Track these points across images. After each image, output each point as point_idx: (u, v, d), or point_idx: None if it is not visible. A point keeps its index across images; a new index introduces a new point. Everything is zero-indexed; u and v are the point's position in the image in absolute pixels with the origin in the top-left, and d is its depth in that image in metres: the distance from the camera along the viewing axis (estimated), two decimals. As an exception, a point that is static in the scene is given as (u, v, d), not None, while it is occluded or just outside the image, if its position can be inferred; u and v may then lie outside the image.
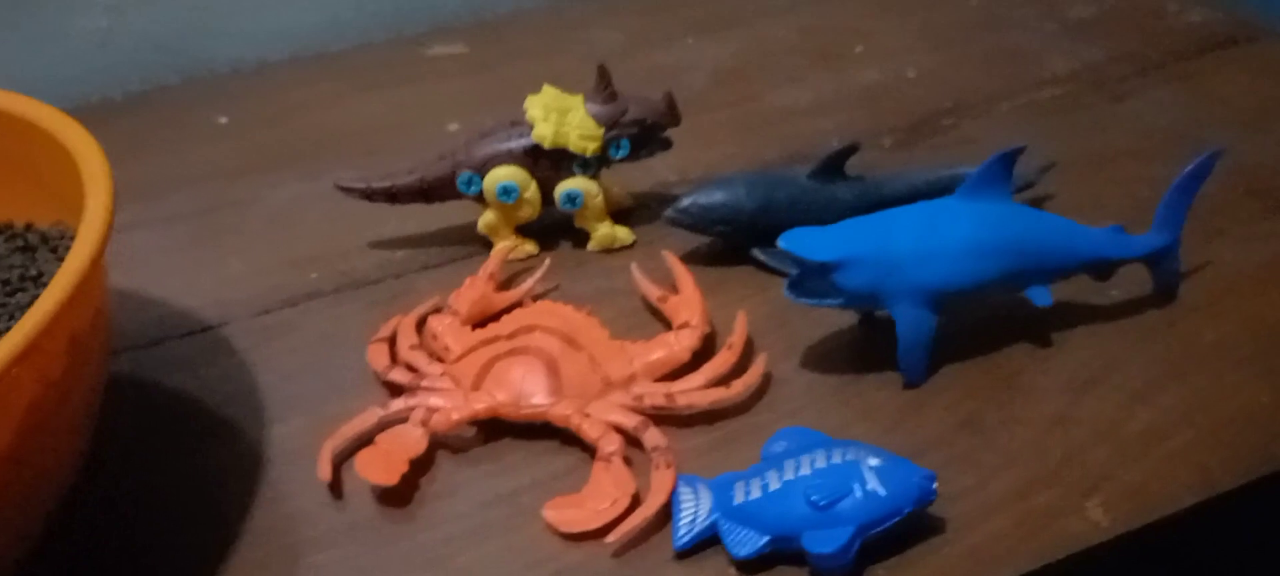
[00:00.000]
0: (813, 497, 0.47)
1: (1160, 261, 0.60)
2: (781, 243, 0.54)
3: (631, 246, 0.69)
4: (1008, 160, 0.56)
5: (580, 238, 0.70)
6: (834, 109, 0.84)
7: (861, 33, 0.94)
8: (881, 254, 0.54)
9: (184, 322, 0.65)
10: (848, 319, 0.62)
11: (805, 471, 0.49)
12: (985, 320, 0.61)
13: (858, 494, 0.47)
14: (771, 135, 0.81)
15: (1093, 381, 0.58)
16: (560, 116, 0.66)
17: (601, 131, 0.66)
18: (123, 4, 0.90)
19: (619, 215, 0.71)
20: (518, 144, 0.66)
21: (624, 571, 0.49)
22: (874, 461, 0.48)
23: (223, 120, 0.86)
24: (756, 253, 0.67)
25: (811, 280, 0.55)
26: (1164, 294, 0.62)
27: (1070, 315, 0.62)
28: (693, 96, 0.86)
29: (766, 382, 0.59)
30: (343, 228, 0.72)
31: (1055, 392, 0.57)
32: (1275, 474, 0.53)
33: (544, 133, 0.65)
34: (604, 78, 0.66)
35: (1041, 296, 0.57)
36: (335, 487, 0.54)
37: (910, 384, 0.58)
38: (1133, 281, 0.63)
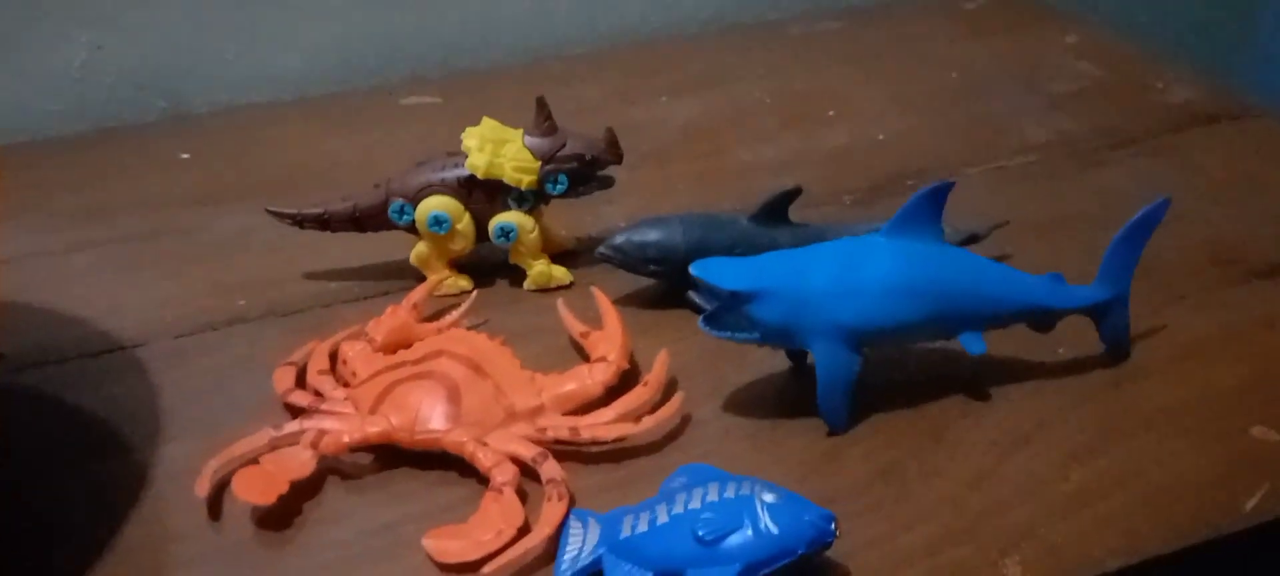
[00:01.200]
0: (699, 532, 0.44)
1: (1105, 315, 0.57)
2: (693, 270, 0.52)
3: (569, 287, 0.67)
4: (936, 196, 0.54)
5: (518, 276, 0.68)
6: (798, 167, 0.82)
7: (837, 98, 0.93)
8: (797, 288, 0.52)
9: (101, 342, 0.64)
10: (780, 364, 0.59)
11: (695, 504, 0.46)
12: (918, 369, 0.59)
13: (748, 530, 0.44)
14: (731, 189, 0.79)
15: (1025, 439, 0.55)
16: (496, 147, 0.64)
17: (537, 164, 0.64)
18: (105, 39, 0.90)
19: (561, 258, 0.69)
20: (452, 174, 0.65)
21: (496, 607, 0.46)
22: (769, 498, 0.45)
23: (185, 155, 0.85)
24: (692, 295, 0.64)
25: (726, 313, 0.53)
26: (1113, 353, 0.59)
27: (1010, 370, 0.59)
28: (659, 149, 0.85)
29: (684, 424, 0.56)
30: (281, 259, 0.71)
31: (983, 448, 0.54)
32: (1207, 542, 0.49)
33: (477, 162, 0.64)
34: (542, 110, 0.65)
35: (974, 343, 0.55)
36: (213, 507, 0.51)
37: (832, 430, 0.55)
38: (1082, 340, 0.60)
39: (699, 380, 0.59)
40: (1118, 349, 0.59)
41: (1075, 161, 0.83)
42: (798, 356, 0.59)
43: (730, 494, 0.46)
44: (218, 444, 0.53)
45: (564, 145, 0.65)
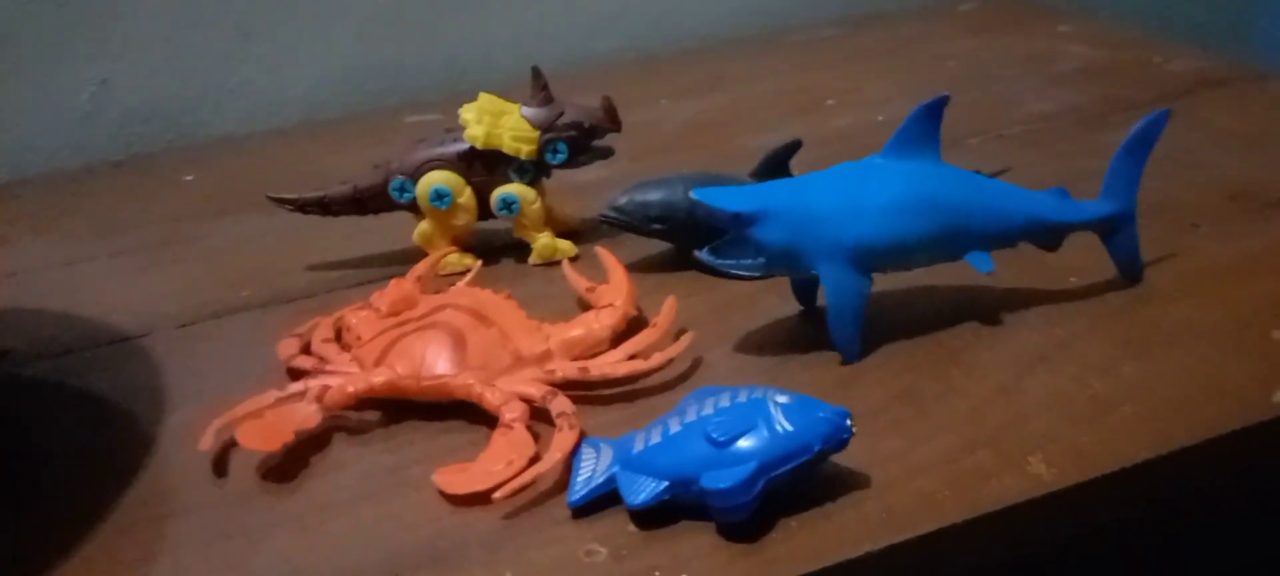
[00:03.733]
0: (712, 433, 0.43)
1: (1113, 232, 0.56)
2: (695, 193, 0.51)
3: (575, 260, 0.67)
4: (933, 111, 0.53)
5: (523, 253, 0.67)
6: (801, 148, 0.82)
7: (836, 90, 0.93)
8: (800, 209, 0.51)
9: (106, 334, 0.63)
10: (790, 309, 0.59)
11: (707, 412, 0.45)
12: (931, 303, 0.58)
13: (762, 430, 0.43)
14: (734, 170, 0.78)
15: (1043, 358, 0.53)
16: (494, 119, 0.64)
17: (536, 134, 0.64)
18: (111, 74, 0.91)
19: (565, 237, 0.68)
20: (451, 148, 0.65)
21: (508, 534, 0.45)
22: (782, 399, 0.44)
23: (188, 177, 0.86)
24: (700, 254, 0.63)
25: (730, 242, 0.52)
26: (1125, 274, 0.58)
27: (1024, 298, 0.58)
28: (662, 143, 0.85)
29: (694, 365, 0.55)
30: (284, 253, 0.71)
31: (1001, 367, 0.53)
32: (1236, 432, 0.47)
33: (476, 134, 0.63)
34: (539, 80, 0.65)
35: (982, 262, 0.53)
36: (218, 463, 0.50)
37: (846, 360, 0.53)
38: (1094, 268, 0.59)
39: (709, 329, 0.58)
40: (1130, 269, 0.58)
41: (1081, 126, 0.82)
42: (807, 299, 0.58)
43: (742, 399, 0.45)
44: (221, 410, 0.53)
45: (562, 114, 0.65)
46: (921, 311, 0.57)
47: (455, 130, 0.65)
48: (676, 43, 1.09)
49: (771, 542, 0.43)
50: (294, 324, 0.60)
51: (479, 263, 0.65)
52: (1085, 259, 0.59)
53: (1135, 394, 0.50)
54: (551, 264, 0.67)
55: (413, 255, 0.67)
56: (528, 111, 0.65)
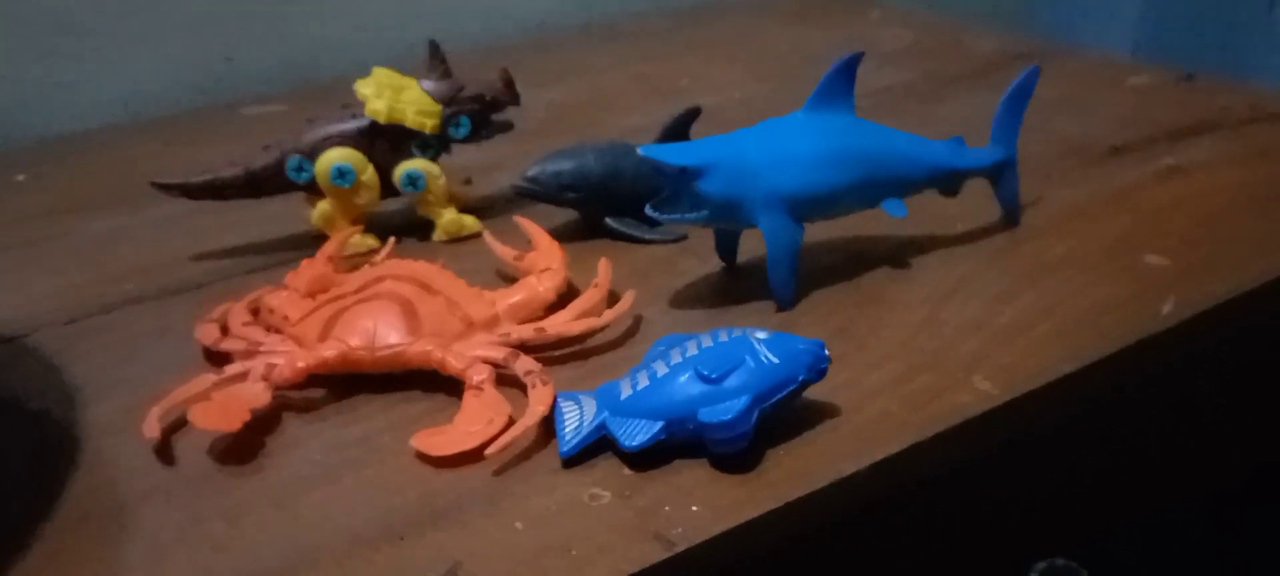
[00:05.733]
0: (704, 371, 0.45)
1: (1000, 176, 0.62)
2: (642, 150, 0.53)
3: (478, 236, 0.66)
4: (848, 68, 0.57)
5: (424, 230, 0.67)
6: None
7: (688, 73, 0.97)
8: (739, 161, 0.54)
9: (-16, 336, 0.58)
10: (712, 266, 0.61)
11: (693, 353, 0.46)
12: (845, 249, 0.61)
13: (750, 364, 0.45)
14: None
15: (952, 292, 0.58)
16: (394, 93, 0.63)
17: (439, 108, 0.64)
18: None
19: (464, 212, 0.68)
20: (351, 125, 0.63)
21: (505, 487, 0.45)
22: (762, 335, 0.46)
23: (20, 177, 0.79)
24: (610, 221, 0.65)
25: (674, 196, 0.53)
26: (1008, 217, 0.64)
27: (922, 244, 0.63)
28: (531, 128, 0.85)
29: (636, 323, 0.56)
30: (164, 247, 0.67)
31: (918, 303, 0.57)
32: (1140, 342, 0.53)
33: (378, 108, 0.62)
34: (437, 54, 0.65)
35: (896, 208, 0.58)
36: (163, 450, 0.47)
37: (781, 305, 0.56)
38: (977, 212, 0.64)
39: (640, 290, 0.59)
40: (1012, 213, 0.64)
41: (915, 99, 0.89)
42: (729, 255, 0.61)
43: (724, 338, 0.46)
44: (146, 402, 0.49)
45: (463, 88, 0.65)
46: (838, 259, 0.61)
47: (352, 106, 0.64)
48: (510, 35, 1.09)
49: (765, 470, 0.45)
50: (193, 313, 0.58)
51: (381, 246, 0.64)
52: (965, 208, 0.64)
53: (1042, 316, 0.55)
54: (457, 240, 0.66)
55: (299, 239, 0.65)
56: (428, 85, 0.64)
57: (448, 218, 0.66)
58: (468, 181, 0.71)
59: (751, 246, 0.61)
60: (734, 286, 0.59)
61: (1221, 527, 0.70)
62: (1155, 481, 0.63)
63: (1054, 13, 1.18)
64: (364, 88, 0.63)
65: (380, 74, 0.64)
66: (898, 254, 0.61)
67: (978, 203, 0.64)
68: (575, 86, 0.93)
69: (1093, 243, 0.63)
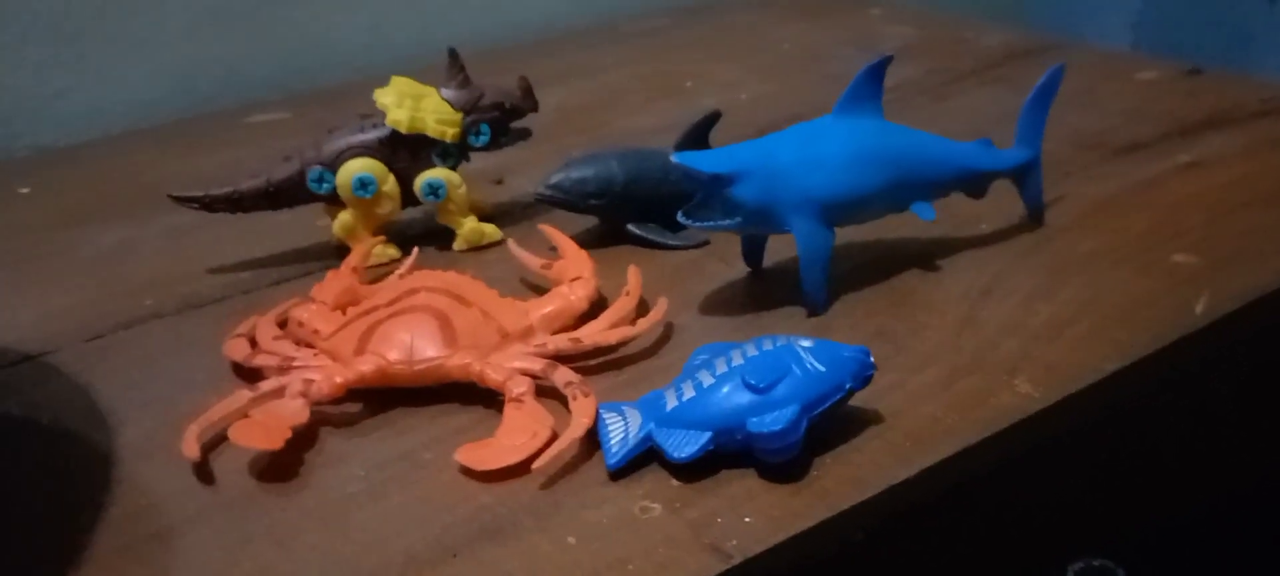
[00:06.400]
0: (751, 380, 0.44)
1: (1026, 177, 0.62)
2: (674, 158, 0.52)
3: (500, 243, 0.66)
4: (876, 72, 0.56)
5: (444, 239, 0.66)
6: (680, 128, 0.84)
7: (691, 74, 0.96)
8: (770, 166, 0.53)
9: (7, 354, 0.57)
10: (738, 272, 0.60)
11: (738, 362, 0.46)
12: (873, 252, 0.61)
13: (797, 373, 0.45)
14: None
15: (987, 291, 0.58)
16: (415, 102, 0.62)
17: (459, 116, 0.63)
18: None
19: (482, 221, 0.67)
20: (372, 134, 0.62)
21: (554, 501, 0.44)
22: (806, 343, 0.46)
23: (25, 189, 0.78)
24: (633, 227, 0.64)
25: (706, 202, 0.53)
26: (1032, 217, 0.64)
27: (950, 245, 0.62)
28: (543, 131, 0.84)
29: (669, 331, 0.56)
30: (177, 259, 0.66)
31: (954, 302, 0.57)
32: (1179, 340, 0.53)
33: (399, 118, 0.62)
34: (456, 61, 0.64)
35: (925, 211, 0.57)
36: (203, 469, 0.46)
37: (812, 311, 0.56)
38: (1001, 211, 0.64)
39: (668, 296, 0.58)
40: (1036, 213, 0.63)
41: (925, 96, 0.89)
42: (755, 260, 0.60)
43: (768, 347, 0.46)
44: (177, 420, 0.49)
45: (482, 96, 0.64)
46: (866, 262, 0.61)
47: (371, 116, 0.63)
48: (512, 36, 1.08)
49: (815, 478, 0.45)
50: (215, 328, 0.57)
51: (415, 252, 0.63)
52: (987, 206, 0.63)
53: (1079, 314, 0.55)
54: (477, 248, 0.65)
55: (315, 250, 0.65)
56: (447, 93, 0.64)
57: (468, 226, 0.65)
58: (499, 181, 0.71)
59: (777, 250, 0.60)
60: (763, 291, 0.59)
61: (1260, 524, 0.70)
62: (1189, 478, 0.63)
63: (1051, 7, 1.18)
64: (384, 97, 0.62)
65: (399, 83, 0.63)
66: (926, 255, 0.61)
67: (1000, 201, 0.64)
68: (579, 89, 0.93)
69: (1118, 239, 0.63)
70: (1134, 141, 0.76)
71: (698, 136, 0.66)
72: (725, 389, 0.45)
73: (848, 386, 0.45)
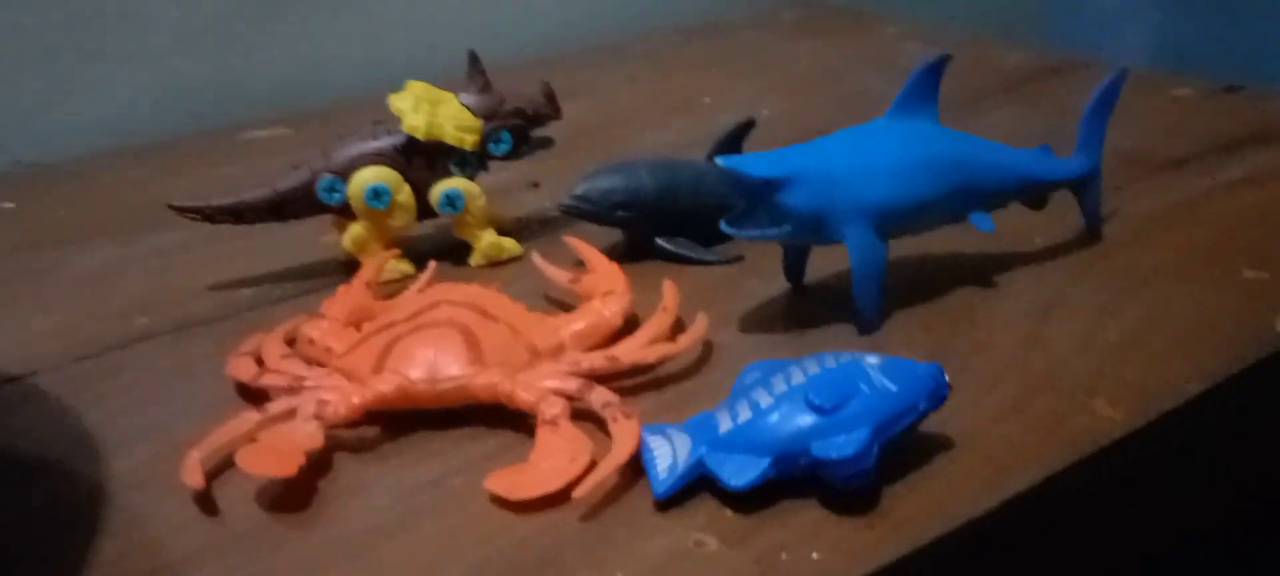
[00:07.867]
0: (816, 400, 0.40)
1: (1086, 187, 0.58)
2: (721, 162, 0.48)
3: (519, 259, 0.62)
4: (933, 72, 0.53)
5: (460, 255, 0.62)
6: (701, 143, 0.80)
7: (707, 90, 0.93)
8: (822, 172, 0.49)
9: (-16, 377, 0.52)
10: (779, 287, 0.56)
11: (799, 381, 0.41)
12: (922, 266, 0.57)
13: (865, 392, 0.40)
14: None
15: (1051, 307, 0.54)
16: (432, 108, 0.58)
17: (479, 123, 0.59)
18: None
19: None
20: (386, 142, 0.58)
21: (600, 533, 0.40)
22: (874, 360, 0.42)
23: (9, 205, 0.73)
24: (661, 242, 0.60)
25: (753, 210, 0.49)
26: (1091, 229, 0.60)
27: (1006, 261, 0.59)
28: (561, 146, 0.80)
29: (708, 349, 0.51)
30: (171, 277, 0.62)
31: (1018, 319, 0.53)
32: (1265, 358, 0.49)
33: (416, 124, 0.57)
34: (476, 65, 0.60)
35: (984, 222, 0.54)
36: (207, 498, 0.42)
37: (865, 326, 0.52)
38: (1054, 225, 0.60)
39: (706, 313, 0.54)
40: (1095, 223, 0.60)
41: (953, 112, 0.84)
42: (796, 276, 0.56)
43: (831, 364, 0.42)
44: (175, 449, 0.44)
45: (503, 102, 0.60)
46: (915, 276, 0.57)
47: (386, 122, 0.59)
48: (517, 54, 1.04)
49: (888, 508, 0.40)
50: (214, 349, 0.52)
51: (433, 266, 0.58)
52: (1039, 220, 0.60)
53: (1151, 330, 0.51)
54: (496, 263, 0.61)
55: (319, 266, 0.61)
56: (467, 99, 0.60)
57: (487, 240, 0.61)
58: (536, 184, 0.67)
59: (817, 266, 0.56)
60: (807, 308, 0.55)
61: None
62: (1263, 508, 0.59)
63: (1070, 26, 1.15)
64: (399, 102, 0.58)
65: (416, 87, 0.59)
66: (979, 270, 0.57)
67: (1051, 214, 0.60)
68: (589, 105, 0.89)
69: (1182, 255, 0.59)
70: (1176, 157, 0.73)
71: (732, 145, 0.62)
72: (786, 410, 0.41)
73: (922, 407, 0.41)
